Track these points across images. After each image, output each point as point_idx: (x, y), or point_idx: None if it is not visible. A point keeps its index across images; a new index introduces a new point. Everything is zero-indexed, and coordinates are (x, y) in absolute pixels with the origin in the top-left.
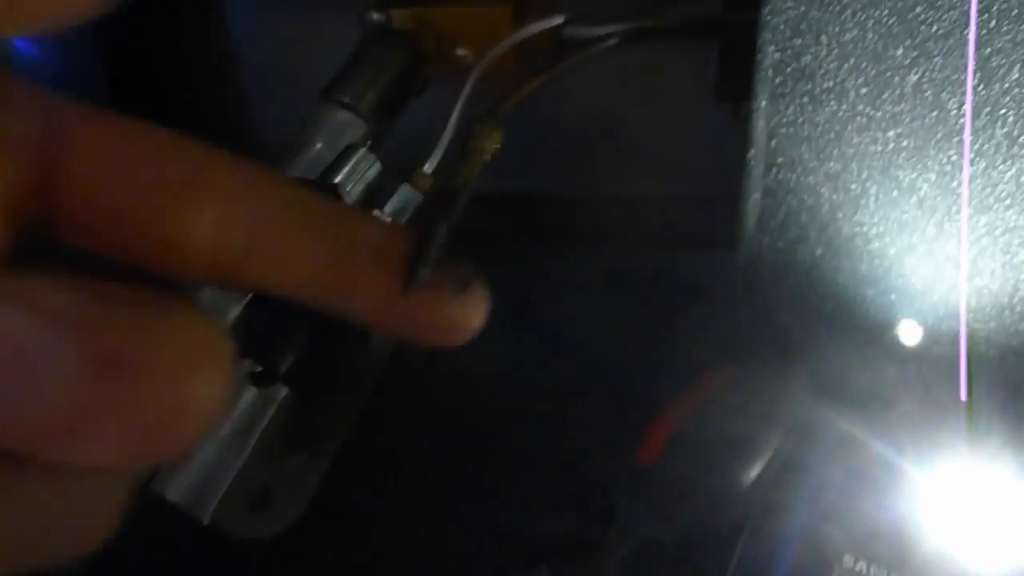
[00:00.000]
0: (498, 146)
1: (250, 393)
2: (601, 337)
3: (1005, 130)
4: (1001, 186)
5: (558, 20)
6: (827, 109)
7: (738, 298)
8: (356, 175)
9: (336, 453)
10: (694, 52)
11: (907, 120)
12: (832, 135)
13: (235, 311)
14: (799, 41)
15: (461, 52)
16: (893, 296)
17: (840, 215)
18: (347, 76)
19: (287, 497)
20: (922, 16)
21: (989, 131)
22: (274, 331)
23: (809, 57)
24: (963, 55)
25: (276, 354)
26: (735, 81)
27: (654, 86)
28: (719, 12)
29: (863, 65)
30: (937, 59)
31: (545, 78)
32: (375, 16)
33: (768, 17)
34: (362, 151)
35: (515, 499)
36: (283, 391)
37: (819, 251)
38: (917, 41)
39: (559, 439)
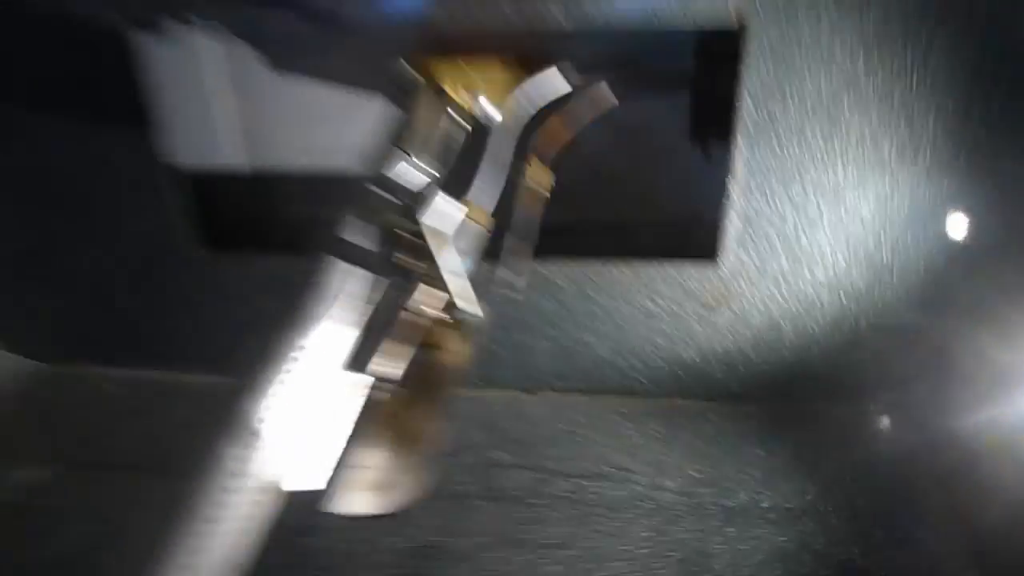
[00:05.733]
0: (551, 184)
1: None
2: None
3: (924, 163)
4: (924, 206)
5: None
6: (790, 149)
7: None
8: (437, 217)
9: None
10: (673, 101)
11: (851, 157)
12: (795, 170)
13: None
14: (767, 93)
15: (483, 101)
16: (843, 299)
17: (802, 234)
18: (407, 130)
19: None
20: (862, 71)
21: (911, 165)
22: None
23: (777, 106)
24: (892, 107)
25: None
26: (707, 127)
27: (638, 129)
28: (692, 67)
29: (817, 113)
30: (873, 110)
31: (586, 124)
32: (407, 72)
33: (744, 74)
34: (437, 196)
35: None
36: None
37: (786, 264)
38: (859, 95)
39: None
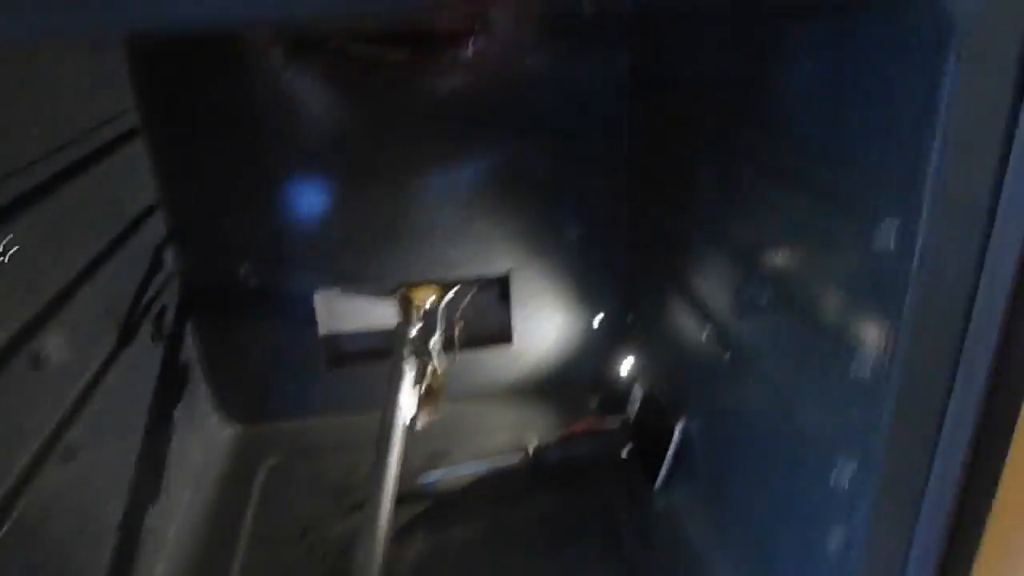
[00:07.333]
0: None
1: None
2: None
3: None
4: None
5: (452, 292)
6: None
7: None
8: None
9: None
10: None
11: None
12: (547, 315)
13: None
14: None
15: (425, 306)
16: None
17: (548, 330)
18: (407, 314)
19: None
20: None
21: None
22: None
23: None
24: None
25: None
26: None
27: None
28: None
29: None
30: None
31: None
32: (403, 292)
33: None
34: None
35: None
36: None
37: (538, 344)
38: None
39: None
